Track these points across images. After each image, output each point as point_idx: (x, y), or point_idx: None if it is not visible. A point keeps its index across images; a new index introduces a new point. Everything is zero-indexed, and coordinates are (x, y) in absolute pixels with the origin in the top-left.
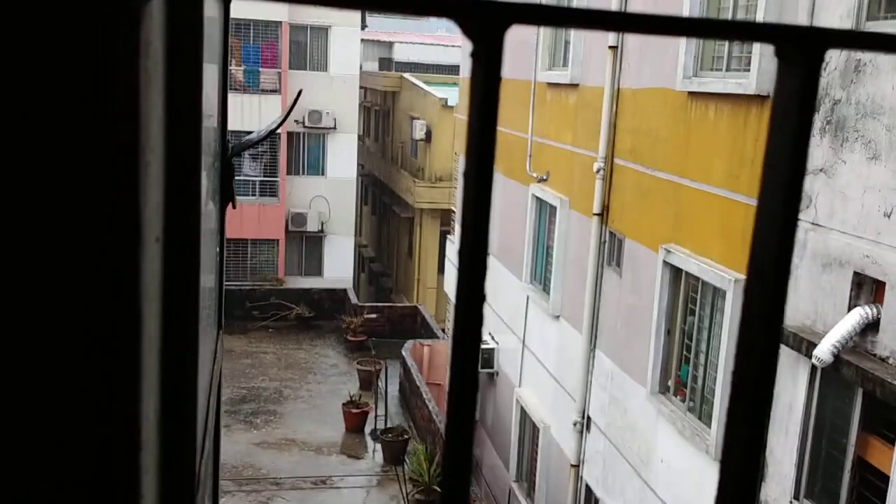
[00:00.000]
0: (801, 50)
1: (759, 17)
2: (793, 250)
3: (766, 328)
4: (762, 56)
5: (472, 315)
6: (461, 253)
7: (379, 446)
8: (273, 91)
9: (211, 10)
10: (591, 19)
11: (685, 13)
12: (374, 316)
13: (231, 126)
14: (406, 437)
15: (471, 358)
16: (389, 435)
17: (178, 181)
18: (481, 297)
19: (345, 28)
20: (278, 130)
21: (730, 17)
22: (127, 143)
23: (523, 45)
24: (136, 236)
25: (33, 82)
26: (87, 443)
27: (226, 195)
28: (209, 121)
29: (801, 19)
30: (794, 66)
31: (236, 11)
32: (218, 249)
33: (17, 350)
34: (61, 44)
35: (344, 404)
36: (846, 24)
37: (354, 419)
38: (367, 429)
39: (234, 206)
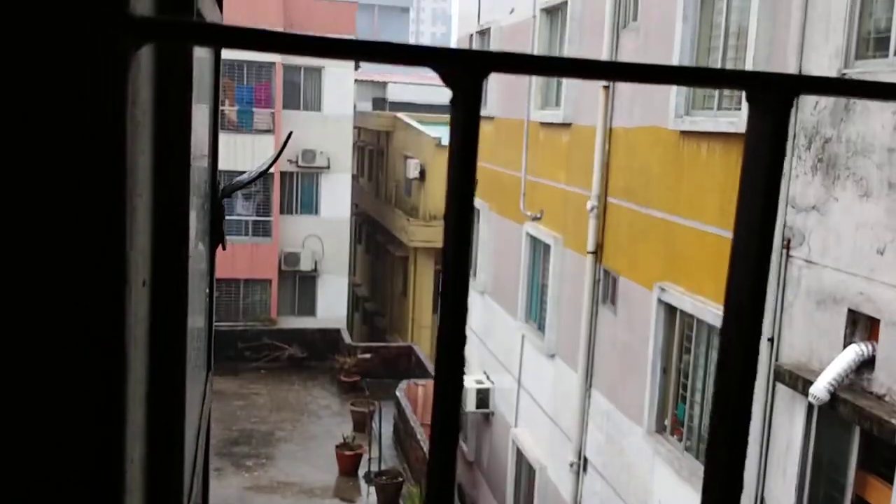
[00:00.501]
0: (772, 96)
1: (749, 56)
2: (766, 291)
3: (744, 368)
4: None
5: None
6: (442, 296)
7: (373, 489)
8: (267, 131)
9: (201, 50)
10: (565, 67)
11: (675, 51)
12: (367, 356)
13: (224, 166)
14: (400, 479)
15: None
16: (384, 478)
17: (167, 224)
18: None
19: (338, 69)
20: (271, 170)
21: (720, 55)
22: (113, 189)
23: (516, 85)
24: (122, 281)
25: (21, 129)
26: (70, 486)
27: (216, 236)
28: (200, 161)
29: (791, 58)
30: (764, 111)
31: (230, 52)
32: (207, 291)
33: None
34: (47, 91)
35: (337, 446)
36: (835, 63)
37: (348, 462)
38: (361, 471)
39: (223, 248)
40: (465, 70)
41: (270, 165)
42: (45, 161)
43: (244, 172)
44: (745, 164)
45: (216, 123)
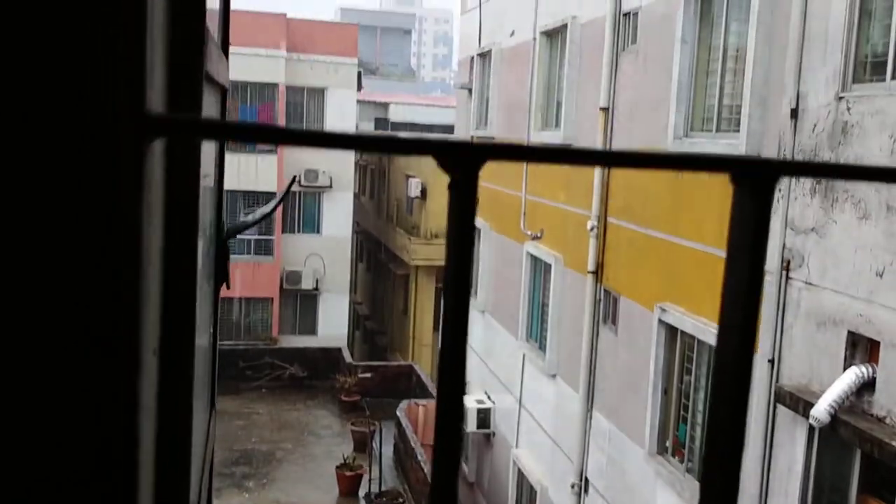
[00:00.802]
0: (755, 179)
1: (748, 78)
2: (752, 361)
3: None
4: (751, 117)
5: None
6: (440, 372)
7: None
8: (269, 151)
9: (207, 105)
10: (558, 155)
11: (674, 74)
12: (368, 375)
13: (228, 185)
14: (401, 500)
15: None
16: (384, 498)
17: (176, 293)
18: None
19: (341, 90)
20: (273, 189)
21: (718, 78)
22: (128, 271)
23: (517, 106)
24: (135, 354)
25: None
26: None
27: (220, 276)
28: (207, 203)
29: (788, 81)
30: (748, 192)
31: (234, 74)
32: (212, 330)
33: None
34: (69, 185)
35: (337, 467)
36: (832, 86)
37: (348, 482)
38: (362, 492)
39: (228, 287)
40: (463, 160)
41: (274, 209)
42: (62, 250)
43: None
44: (730, 242)
45: (222, 161)
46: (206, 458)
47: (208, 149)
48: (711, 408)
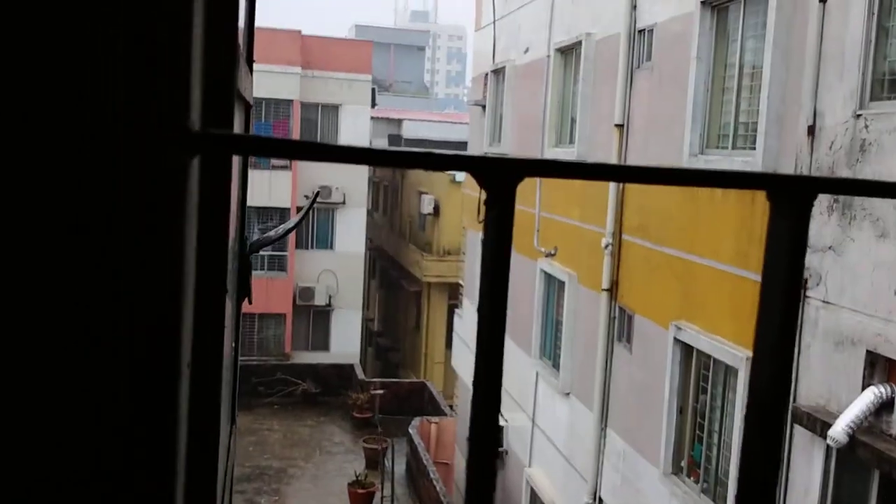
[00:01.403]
0: (792, 196)
1: (764, 96)
2: (790, 383)
3: (765, 477)
4: (767, 135)
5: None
6: (474, 400)
7: None
8: (283, 167)
9: (236, 121)
10: (591, 171)
11: (690, 92)
12: (380, 392)
13: None
14: None
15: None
16: None
17: (207, 306)
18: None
19: (355, 106)
20: (287, 205)
21: (734, 95)
22: (171, 281)
23: (530, 123)
24: (176, 365)
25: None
26: None
27: (242, 291)
28: (231, 223)
29: (805, 99)
30: (785, 212)
31: None
32: (234, 345)
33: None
34: (116, 200)
35: (349, 484)
36: (850, 104)
37: (360, 499)
38: None
39: (250, 302)
40: (500, 176)
41: (298, 223)
42: (109, 265)
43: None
44: (765, 263)
45: (245, 178)
46: (227, 472)
47: (232, 165)
48: (746, 437)
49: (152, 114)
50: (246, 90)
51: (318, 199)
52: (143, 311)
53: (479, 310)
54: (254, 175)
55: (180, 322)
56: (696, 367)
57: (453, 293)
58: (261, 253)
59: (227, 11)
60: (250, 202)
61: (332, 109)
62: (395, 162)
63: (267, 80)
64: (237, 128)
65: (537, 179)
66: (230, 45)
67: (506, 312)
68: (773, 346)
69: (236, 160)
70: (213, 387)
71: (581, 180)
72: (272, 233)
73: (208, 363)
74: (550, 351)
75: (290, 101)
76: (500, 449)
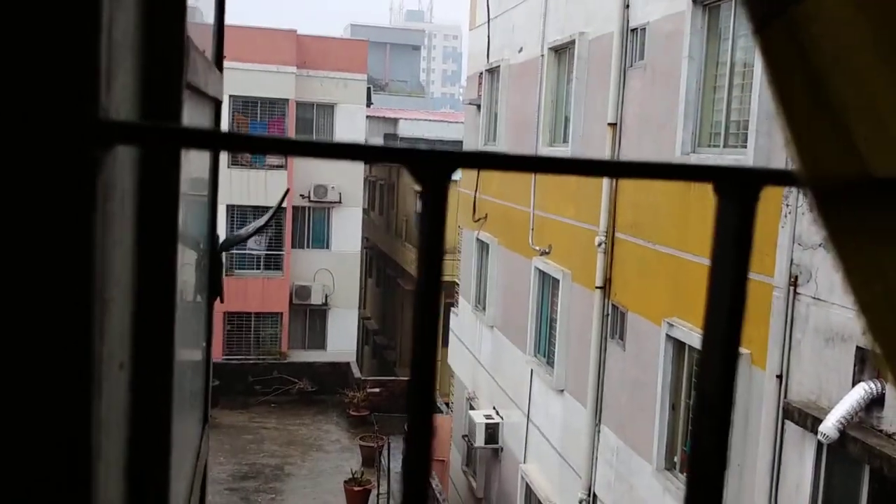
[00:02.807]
0: (739, 188)
1: (755, 94)
2: (736, 376)
3: (716, 467)
4: (759, 133)
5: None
6: (409, 384)
7: None
8: (279, 167)
9: (200, 117)
10: (524, 164)
11: (682, 90)
12: (377, 390)
13: (238, 201)
14: None
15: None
16: None
17: (151, 303)
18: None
19: (350, 105)
20: (283, 205)
21: (725, 93)
22: (80, 285)
23: (525, 122)
24: (87, 367)
25: None
26: None
27: (214, 290)
28: (200, 215)
29: None
30: (731, 202)
31: (244, 89)
32: (205, 344)
33: None
34: (15, 194)
35: (346, 482)
36: None
37: (356, 497)
38: None
39: (221, 301)
40: (433, 168)
41: (268, 222)
42: (9, 261)
43: (258, 207)
44: (713, 255)
45: (216, 174)
46: (196, 471)
47: (201, 163)
48: (695, 419)
49: (54, 101)
50: (209, 86)
51: (314, 198)
52: (50, 311)
53: (414, 301)
54: (249, 174)
55: (90, 320)
56: (688, 363)
57: (449, 292)
58: (256, 252)
59: (171, 4)
60: (246, 202)
61: (328, 109)
62: (322, 153)
63: (262, 80)
64: (202, 124)
65: (532, 179)
66: (175, 38)
67: (440, 302)
68: (720, 338)
69: (204, 158)
70: (161, 386)
71: (576, 177)
72: (242, 231)
73: (155, 363)
74: (545, 348)
75: (285, 101)
76: (496, 446)
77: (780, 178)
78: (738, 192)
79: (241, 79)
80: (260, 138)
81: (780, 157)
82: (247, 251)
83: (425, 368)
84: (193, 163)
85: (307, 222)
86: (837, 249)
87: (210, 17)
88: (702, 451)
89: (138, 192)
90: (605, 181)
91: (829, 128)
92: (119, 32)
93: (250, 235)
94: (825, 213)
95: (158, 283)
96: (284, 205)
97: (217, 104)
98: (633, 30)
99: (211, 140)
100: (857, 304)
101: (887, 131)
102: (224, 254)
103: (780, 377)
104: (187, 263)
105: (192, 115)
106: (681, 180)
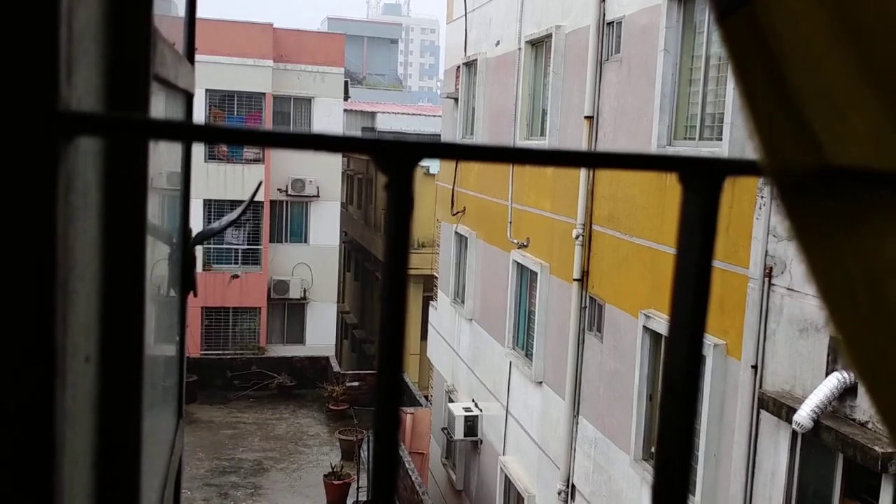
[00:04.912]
0: (702, 178)
1: (730, 87)
2: (701, 361)
3: (680, 455)
4: (733, 126)
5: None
6: (378, 363)
7: None
8: (256, 160)
9: (172, 111)
10: (489, 154)
11: (657, 83)
12: (356, 384)
13: (215, 195)
14: None
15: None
16: None
17: (118, 295)
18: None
19: (328, 99)
20: (261, 199)
21: (701, 87)
22: (39, 277)
23: (502, 115)
24: (49, 358)
25: None
26: None
27: (187, 284)
28: (172, 208)
29: None
30: (695, 192)
31: (221, 83)
32: (178, 338)
33: None
34: None
35: (325, 476)
36: None
37: (336, 491)
38: (350, 500)
39: (195, 295)
40: (397, 158)
41: (241, 215)
42: None
43: (236, 201)
44: (678, 244)
45: (189, 167)
46: (170, 467)
47: (174, 156)
48: (662, 404)
49: (11, 94)
50: (179, 78)
51: (292, 192)
52: (8, 302)
53: (382, 288)
54: (227, 168)
55: (52, 314)
56: (665, 354)
57: (428, 285)
58: (234, 247)
59: None
60: (223, 196)
61: (305, 102)
62: (286, 143)
63: (239, 74)
64: (172, 118)
65: (510, 172)
66: (141, 29)
67: (406, 295)
68: (685, 324)
69: (176, 152)
70: (130, 380)
71: (554, 168)
72: (216, 224)
73: (123, 356)
74: (523, 341)
75: (262, 94)
76: (476, 438)
77: (742, 168)
78: (703, 182)
79: (218, 72)
80: (223, 129)
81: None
82: (225, 246)
83: (393, 361)
84: (164, 156)
85: (285, 217)
86: (799, 238)
87: (181, 10)
88: (668, 433)
89: (104, 185)
90: (583, 174)
91: (789, 117)
92: (80, 23)
93: (224, 229)
94: (787, 202)
95: (126, 275)
96: (261, 198)
97: (189, 97)
98: (609, 23)
99: (173, 130)
100: (818, 292)
101: (843, 120)
102: (198, 248)
103: (755, 367)
104: (160, 257)
105: (162, 108)
106: (646, 170)
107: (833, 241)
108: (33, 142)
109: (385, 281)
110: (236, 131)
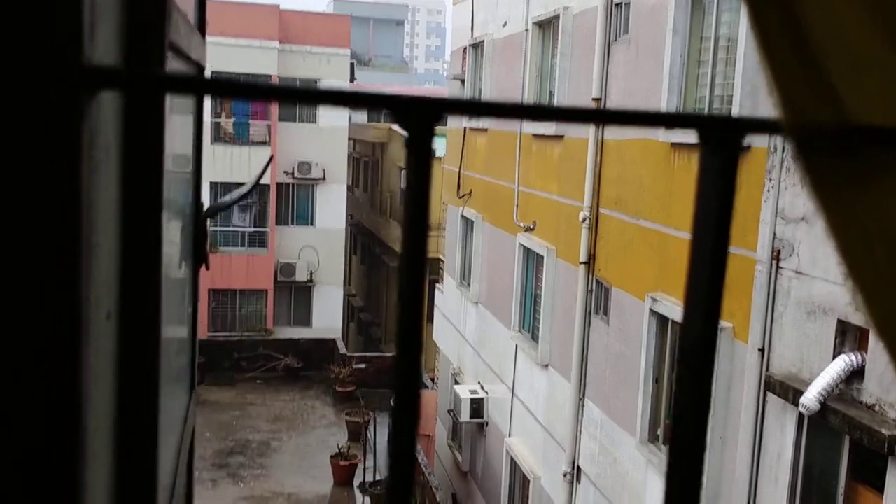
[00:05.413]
0: (722, 137)
1: (739, 68)
2: (717, 328)
3: (698, 399)
4: (742, 107)
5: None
6: (399, 324)
7: (368, 499)
8: (262, 143)
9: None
10: (511, 111)
11: (666, 64)
12: (362, 366)
13: (221, 178)
14: None
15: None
16: (378, 488)
17: (137, 257)
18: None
19: (334, 81)
20: (267, 182)
21: (710, 68)
22: (68, 230)
23: (509, 96)
24: (75, 314)
25: None
26: None
27: (199, 256)
28: (183, 183)
29: None
30: (715, 152)
31: (227, 65)
32: (191, 310)
33: None
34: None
35: (332, 456)
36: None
37: (343, 472)
38: (356, 481)
39: (207, 268)
40: (419, 115)
41: (252, 188)
42: None
43: (241, 184)
44: (696, 206)
45: (200, 143)
46: (184, 438)
47: (186, 130)
48: (680, 367)
49: (39, 47)
50: (192, 49)
51: (298, 175)
52: (37, 257)
53: (401, 251)
54: (233, 151)
55: (77, 267)
56: (671, 337)
57: (434, 268)
58: (241, 230)
59: None
60: (230, 178)
61: (311, 84)
62: (304, 99)
63: (244, 55)
64: None
65: (516, 155)
66: None
67: (426, 257)
68: (703, 287)
69: (188, 127)
70: (149, 335)
71: (561, 151)
72: (227, 197)
73: (141, 312)
74: (529, 324)
75: (268, 77)
76: (481, 420)
77: (762, 126)
78: (722, 141)
79: (224, 54)
80: (241, 84)
81: None
82: (231, 228)
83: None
84: (177, 132)
85: (291, 199)
86: (816, 194)
87: None
88: (685, 402)
89: (123, 140)
90: (590, 158)
91: (809, 74)
92: None
93: (235, 202)
94: (806, 159)
95: (144, 232)
96: (267, 181)
97: (200, 69)
98: (617, 4)
99: (189, 85)
100: (836, 248)
101: (863, 78)
102: (208, 222)
103: (762, 350)
104: (172, 228)
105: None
106: (666, 127)
107: (850, 197)
108: (60, 94)
109: (406, 238)
110: (258, 87)
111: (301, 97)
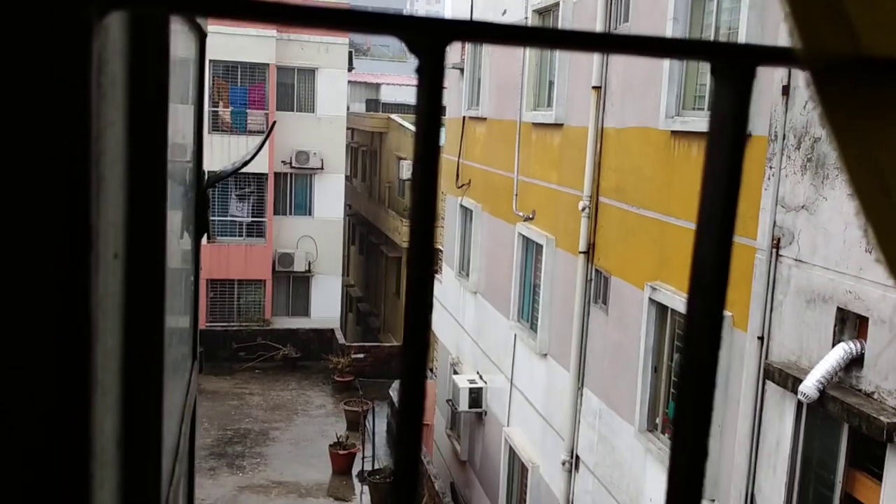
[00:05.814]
0: (735, 66)
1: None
2: (730, 264)
3: (708, 346)
4: None
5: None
6: (409, 261)
7: (367, 488)
8: (260, 132)
9: (186, 49)
10: (525, 36)
11: (666, 61)
12: (361, 356)
13: (218, 167)
14: None
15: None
16: (377, 476)
17: (143, 196)
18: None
19: (332, 70)
20: (265, 172)
21: (708, 72)
22: (77, 156)
23: (509, 86)
24: (85, 250)
25: None
26: (30, 478)
27: (201, 225)
28: (184, 152)
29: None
30: (728, 82)
31: (224, 54)
32: (193, 279)
33: None
34: (7, 59)
35: (331, 445)
36: None
37: (342, 461)
38: (355, 470)
39: (209, 239)
40: (430, 38)
41: (254, 156)
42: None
43: (238, 172)
44: (709, 139)
45: (201, 114)
46: (186, 405)
47: (186, 110)
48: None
49: None
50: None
51: (296, 165)
52: (46, 183)
53: (411, 192)
54: (231, 140)
55: (88, 198)
56: (670, 326)
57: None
58: (239, 219)
59: None
60: (228, 167)
61: (309, 73)
62: (308, 21)
63: (242, 44)
64: (189, 55)
65: (516, 144)
66: None
67: (437, 191)
68: (715, 220)
69: (188, 107)
70: (154, 272)
71: (560, 140)
72: (228, 166)
73: (147, 248)
74: (528, 313)
75: (265, 65)
76: (480, 409)
77: (776, 55)
78: (735, 71)
79: (222, 43)
80: (248, 3)
81: (763, 119)
82: (229, 218)
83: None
84: (181, 111)
85: (289, 189)
86: (831, 127)
87: None
88: (690, 377)
89: (130, 65)
90: (589, 147)
91: (825, 3)
92: None
93: (236, 170)
94: (820, 89)
95: (150, 166)
96: (265, 170)
97: (202, 36)
98: None
99: (197, 4)
100: (849, 185)
101: (880, 8)
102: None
103: (761, 339)
104: (175, 197)
105: (181, 44)
106: (675, 57)
107: (864, 126)
108: (70, 12)
109: (416, 173)
110: (265, 5)
111: (307, 18)
